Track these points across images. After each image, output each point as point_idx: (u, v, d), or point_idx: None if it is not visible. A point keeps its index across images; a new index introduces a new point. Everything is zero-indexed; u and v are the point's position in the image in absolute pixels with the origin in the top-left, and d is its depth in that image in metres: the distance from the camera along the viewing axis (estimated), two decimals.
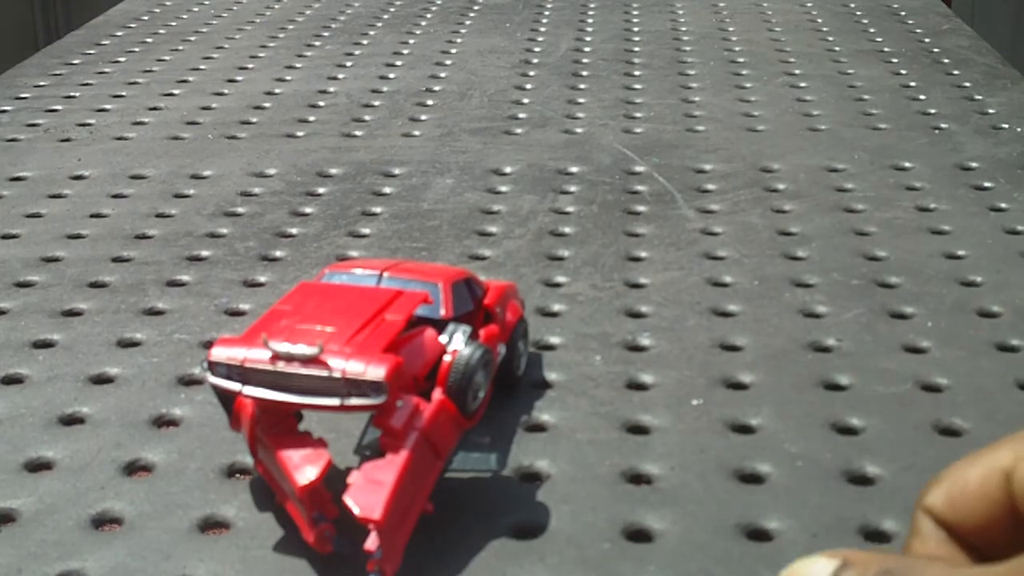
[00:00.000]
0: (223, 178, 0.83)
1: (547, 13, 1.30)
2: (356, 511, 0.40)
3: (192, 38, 1.22)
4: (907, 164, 0.85)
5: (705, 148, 0.88)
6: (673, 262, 0.69)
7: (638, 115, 0.95)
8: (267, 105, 0.99)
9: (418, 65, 1.11)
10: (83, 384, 0.57)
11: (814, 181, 0.81)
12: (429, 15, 1.30)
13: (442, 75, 1.07)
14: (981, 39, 1.18)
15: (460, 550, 0.44)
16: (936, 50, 1.13)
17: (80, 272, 0.69)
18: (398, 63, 1.11)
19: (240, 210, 0.78)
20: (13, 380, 0.57)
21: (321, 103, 1.00)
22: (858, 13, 1.28)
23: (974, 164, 0.84)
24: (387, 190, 0.81)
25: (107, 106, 1.00)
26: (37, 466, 0.50)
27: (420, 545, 0.43)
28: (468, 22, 1.27)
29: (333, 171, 0.84)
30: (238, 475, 0.49)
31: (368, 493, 0.40)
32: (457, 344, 0.46)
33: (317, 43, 1.19)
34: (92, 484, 0.49)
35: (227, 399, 0.45)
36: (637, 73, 1.07)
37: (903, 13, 1.27)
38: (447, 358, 0.45)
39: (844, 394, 0.55)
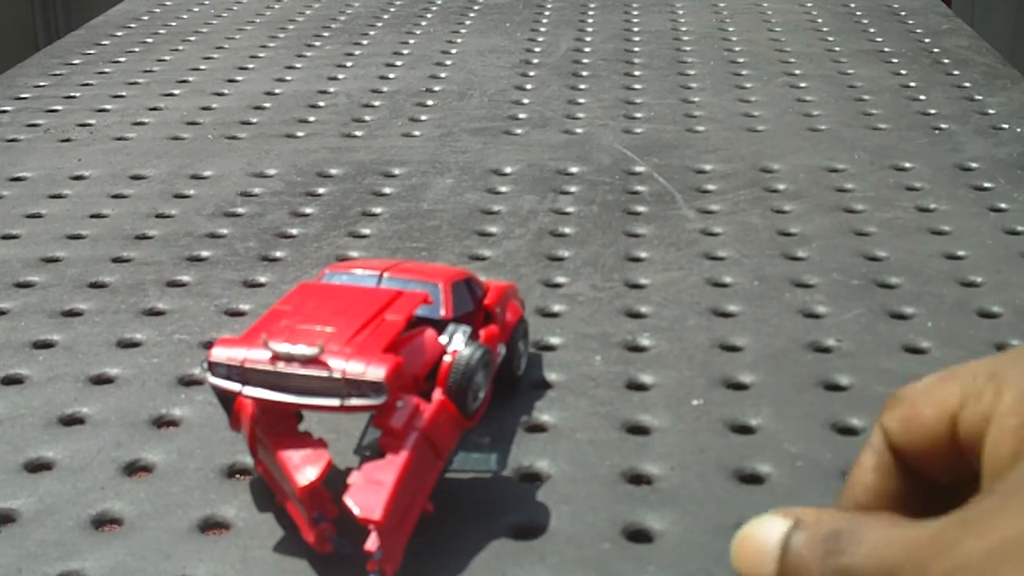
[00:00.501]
0: (223, 178, 0.83)
1: (547, 13, 1.30)
2: (356, 511, 0.40)
3: (192, 38, 1.22)
4: (907, 164, 0.85)
5: (705, 148, 0.88)
6: (673, 262, 0.69)
7: (638, 115, 0.95)
8: (267, 105, 0.99)
9: (418, 65, 1.11)
10: (83, 384, 0.57)
11: (814, 181, 0.81)
12: (429, 15, 1.30)
13: (442, 75, 1.07)
14: (981, 39, 1.18)
15: (460, 550, 0.44)
16: (936, 50, 1.13)
17: (80, 272, 0.69)
18: (398, 63, 1.11)
19: (240, 210, 0.78)
20: (13, 380, 0.57)
21: (321, 103, 1.00)
22: (858, 13, 1.28)
23: (974, 164, 0.84)
24: (387, 190, 0.81)
25: (107, 106, 1.00)
26: (37, 466, 0.50)
27: (420, 545, 0.43)
28: (468, 22, 1.27)
29: (333, 171, 0.84)
30: (238, 475, 0.49)
31: (368, 493, 0.40)
32: (457, 344, 0.46)
33: (317, 43, 1.19)
34: (92, 484, 0.49)
35: (227, 399, 0.45)
36: (637, 73, 1.07)
37: (903, 13, 1.27)
38: (447, 358, 0.45)
39: (844, 394, 0.55)
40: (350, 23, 1.28)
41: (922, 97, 0.99)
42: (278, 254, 0.71)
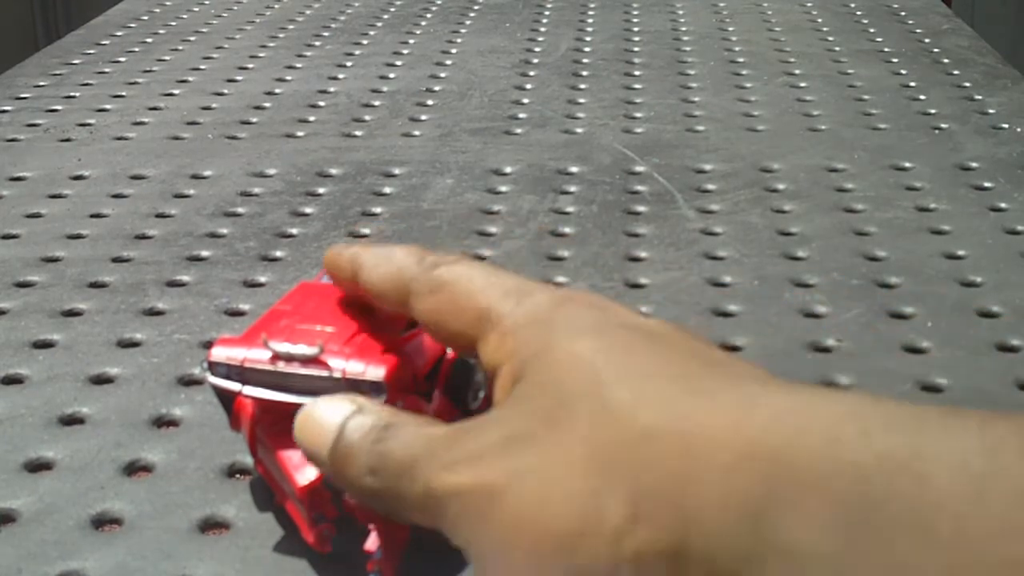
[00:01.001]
0: (223, 178, 0.83)
1: (547, 13, 1.30)
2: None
3: (192, 38, 1.22)
4: (907, 164, 0.85)
5: (705, 148, 0.88)
6: (673, 262, 0.69)
7: (638, 115, 0.95)
8: (267, 105, 0.99)
9: (418, 65, 1.11)
10: (83, 384, 0.57)
11: (814, 181, 0.81)
12: (429, 15, 1.30)
13: (442, 75, 1.07)
14: (981, 39, 1.18)
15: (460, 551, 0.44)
16: (936, 50, 1.13)
17: (80, 272, 0.69)
18: (398, 63, 1.11)
19: (240, 210, 0.78)
20: (13, 380, 0.57)
21: (321, 103, 1.00)
22: (858, 13, 1.28)
23: (974, 164, 0.84)
24: (387, 190, 0.81)
25: (107, 106, 1.00)
26: (37, 466, 0.50)
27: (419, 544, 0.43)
28: (468, 22, 1.27)
29: (333, 171, 0.84)
30: (238, 475, 0.49)
31: None
32: None
33: (317, 43, 1.19)
34: (92, 484, 0.49)
35: (227, 399, 0.45)
36: (637, 73, 1.07)
37: (903, 13, 1.27)
38: (447, 357, 0.45)
39: None
40: (350, 23, 1.28)
41: (922, 97, 0.99)
42: (278, 254, 0.71)
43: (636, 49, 1.15)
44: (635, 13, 1.30)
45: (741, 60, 1.11)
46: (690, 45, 1.16)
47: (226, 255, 0.71)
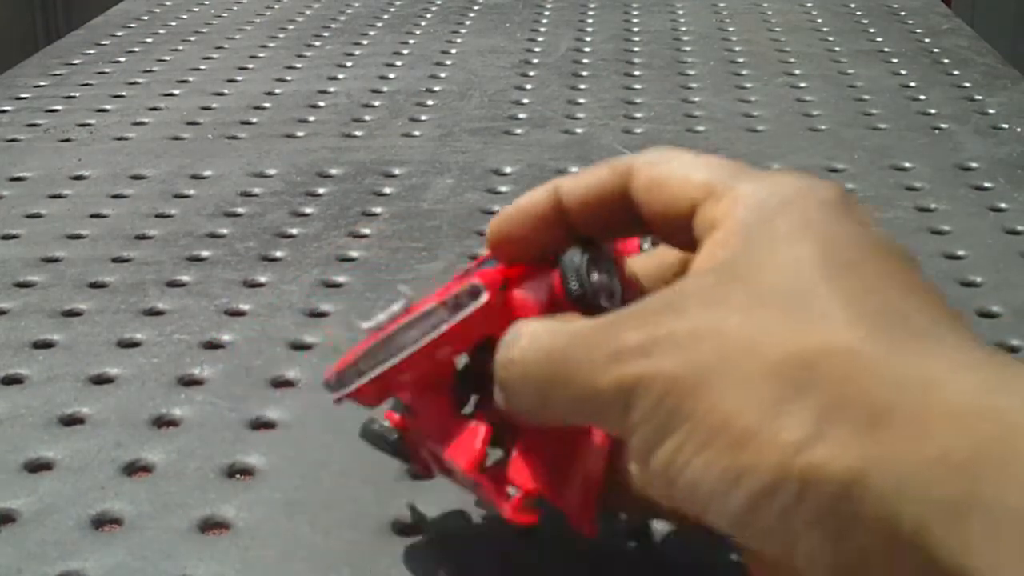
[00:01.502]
0: (223, 178, 0.83)
1: (547, 13, 1.30)
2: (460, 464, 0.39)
3: (192, 38, 1.22)
4: (907, 164, 0.85)
5: (705, 148, 0.88)
6: None
7: (638, 115, 0.95)
8: (267, 105, 0.99)
9: (418, 65, 1.11)
10: (83, 384, 0.57)
11: None
12: (429, 15, 1.30)
13: (442, 75, 1.07)
14: (981, 39, 1.18)
15: (459, 552, 0.44)
16: (936, 50, 1.13)
17: (80, 272, 0.69)
18: (398, 63, 1.11)
19: (240, 210, 0.78)
20: (13, 380, 0.57)
21: (321, 103, 1.00)
22: (858, 13, 1.28)
23: (974, 164, 0.84)
24: (387, 190, 0.81)
25: (107, 106, 1.00)
26: (37, 466, 0.50)
27: (418, 545, 0.43)
28: (468, 22, 1.27)
29: (333, 171, 0.84)
30: (238, 475, 0.49)
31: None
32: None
33: (317, 43, 1.19)
34: (92, 484, 0.49)
35: (394, 445, 0.42)
36: (637, 73, 1.07)
37: (903, 13, 1.27)
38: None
39: None
40: (350, 23, 1.28)
41: (922, 97, 0.99)
42: (278, 254, 0.71)
43: (636, 49, 1.15)
44: (635, 13, 1.30)
45: (741, 60, 1.11)
46: (690, 45, 1.16)
47: (226, 255, 0.71)
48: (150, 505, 0.47)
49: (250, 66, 1.11)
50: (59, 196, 0.81)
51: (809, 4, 1.32)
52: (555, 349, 0.33)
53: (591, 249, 0.39)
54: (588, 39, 1.19)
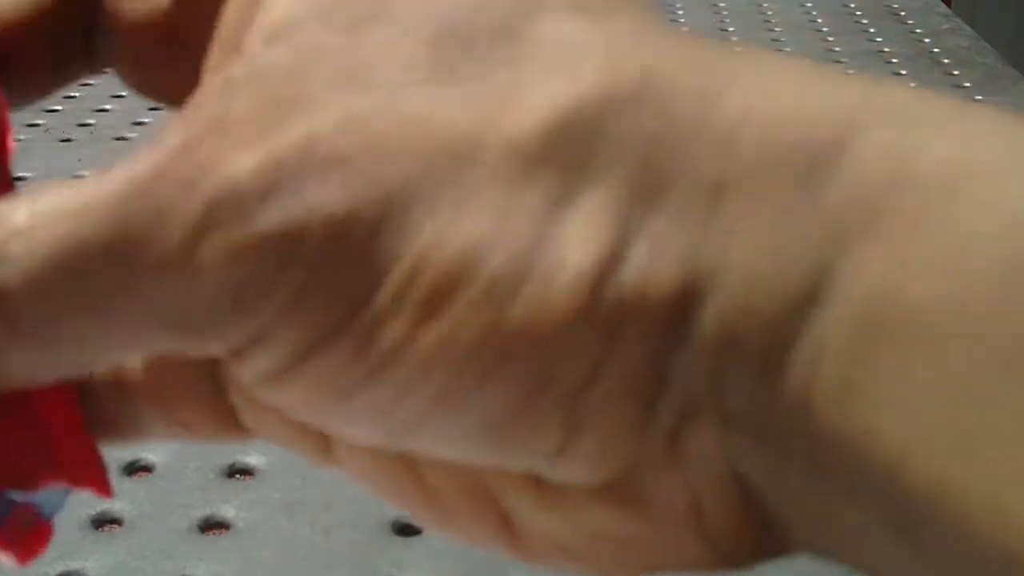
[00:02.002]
0: None
1: None
2: None
3: None
4: None
5: None
6: None
7: None
8: None
9: None
10: None
11: None
12: None
13: None
14: (981, 39, 1.18)
15: (459, 551, 0.44)
16: (936, 50, 1.13)
17: None
18: None
19: None
20: None
21: None
22: (858, 13, 1.28)
23: None
24: None
25: (107, 106, 1.00)
26: None
27: (419, 544, 0.43)
28: None
29: None
30: (238, 475, 0.49)
31: None
32: None
33: None
34: None
35: None
36: None
37: (903, 13, 1.27)
38: None
39: None
40: None
41: None
42: None
43: None
44: None
45: None
46: None
47: None
48: (150, 505, 0.47)
49: None
50: None
51: (809, 4, 1.32)
52: (104, 207, 0.17)
53: None
54: None
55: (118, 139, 0.92)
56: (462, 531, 0.20)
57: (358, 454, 0.20)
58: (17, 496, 0.23)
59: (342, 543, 0.44)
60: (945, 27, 1.21)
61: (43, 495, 0.24)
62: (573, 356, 0.17)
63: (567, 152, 0.17)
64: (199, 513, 0.47)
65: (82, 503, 0.48)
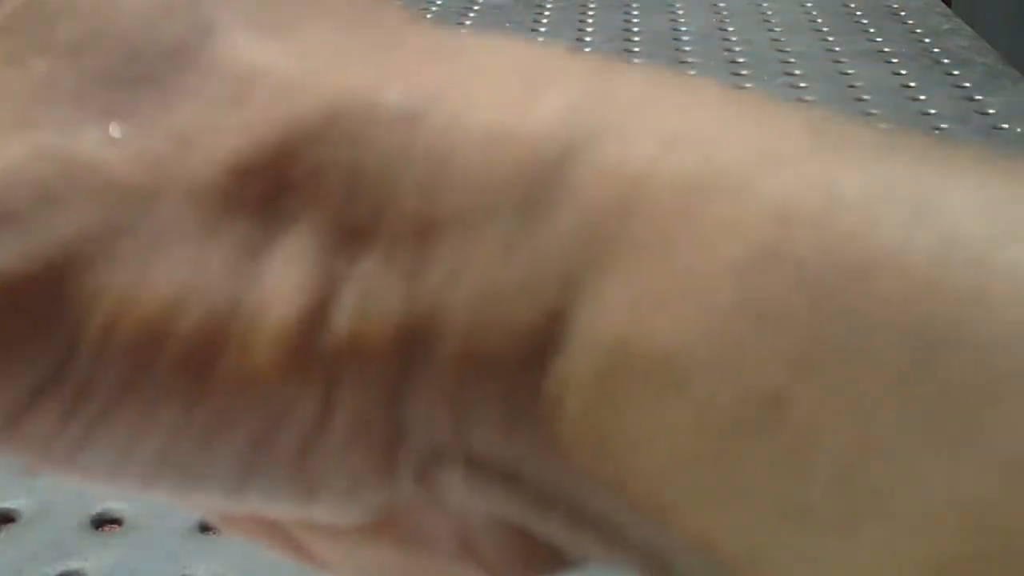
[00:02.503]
0: None
1: (547, 13, 1.30)
2: None
3: None
4: None
5: None
6: None
7: None
8: None
9: None
10: None
11: None
12: (429, 15, 1.30)
13: None
14: (981, 39, 1.18)
15: None
16: (936, 50, 1.13)
17: None
18: None
19: None
20: None
21: None
22: (858, 13, 1.28)
23: None
24: None
25: None
26: None
27: None
28: (468, 22, 1.27)
29: None
30: None
31: None
32: None
33: None
34: None
35: None
36: None
37: (903, 13, 1.27)
38: None
39: None
40: None
41: (922, 97, 0.99)
42: None
43: (636, 49, 1.15)
44: (635, 13, 1.30)
45: (741, 60, 1.11)
46: (690, 45, 1.16)
47: None
48: (150, 505, 0.47)
49: None
50: None
51: (809, 4, 1.32)
52: None
53: None
54: (588, 39, 1.19)
55: None
56: (265, 547, 0.20)
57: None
58: None
59: None
60: (945, 27, 1.21)
61: None
62: (291, 411, 0.15)
63: (254, 196, 0.15)
64: (199, 513, 0.47)
65: (82, 503, 0.47)
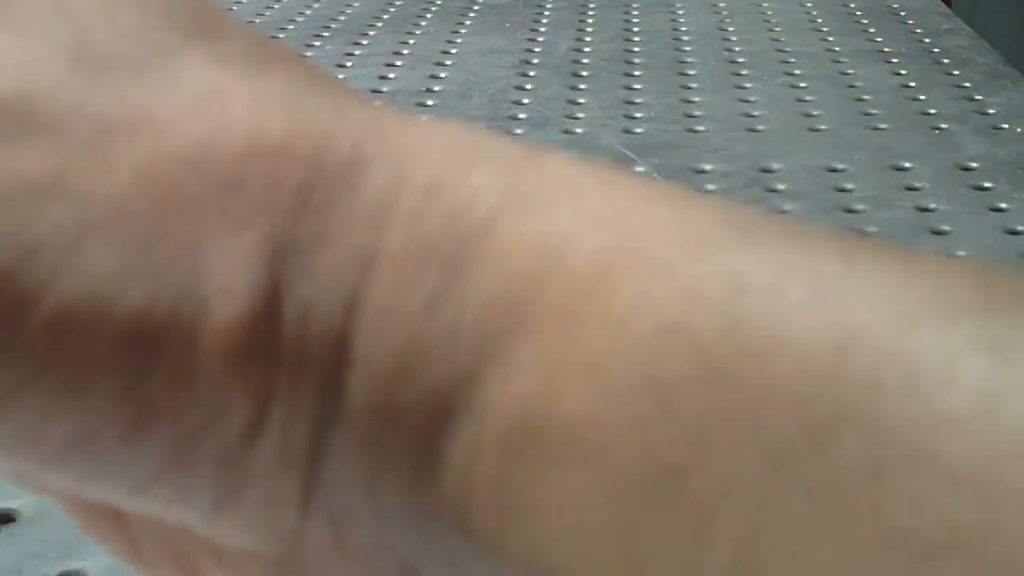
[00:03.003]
0: None
1: (547, 13, 1.30)
2: None
3: None
4: (907, 164, 0.85)
5: (705, 148, 0.88)
6: None
7: (638, 115, 0.95)
8: None
9: (418, 65, 1.11)
10: None
11: (814, 181, 0.81)
12: (429, 15, 1.30)
13: (442, 75, 1.07)
14: (981, 39, 1.18)
15: None
16: (936, 50, 1.13)
17: None
18: (398, 63, 1.11)
19: None
20: None
21: None
22: (858, 13, 1.28)
23: (974, 164, 0.84)
24: None
25: None
26: None
27: None
28: (468, 22, 1.27)
29: None
30: None
31: None
32: None
33: (317, 43, 1.19)
34: None
35: None
36: (637, 73, 1.07)
37: (903, 13, 1.27)
38: None
39: None
40: (350, 23, 1.28)
41: (922, 97, 0.99)
42: None
43: (636, 49, 1.15)
44: (635, 13, 1.30)
45: (741, 60, 1.11)
46: (690, 45, 1.16)
47: None
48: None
49: None
50: None
51: (809, 4, 1.32)
52: None
53: None
54: (588, 39, 1.19)
55: None
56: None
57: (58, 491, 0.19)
58: None
59: None
60: (945, 27, 1.21)
61: None
62: (224, 414, 0.15)
63: (207, 191, 0.15)
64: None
65: None
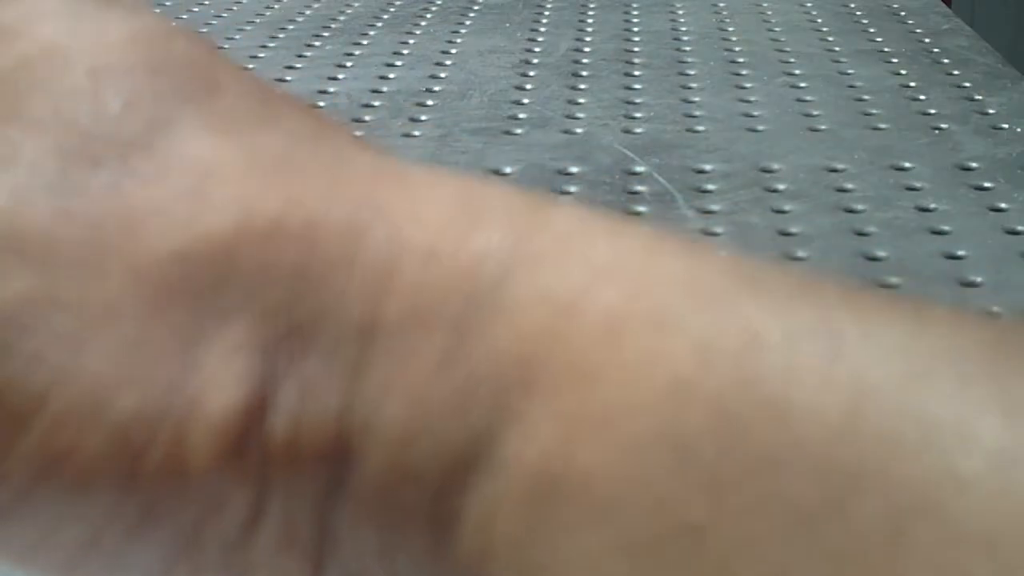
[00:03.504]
0: None
1: (547, 13, 1.30)
2: None
3: None
4: (907, 164, 0.85)
5: (705, 148, 0.88)
6: None
7: (638, 115, 0.95)
8: None
9: (418, 65, 1.11)
10: None
11: (814, 181, 0.81)
12: (429, 15, 1.30)
13: (442, 75, 1.07)
14: (981, 39, 1.18)
15: None
16: (936, 50, 1.13)
17: None
18: (398, 63, 1.11)
19: None
20: None
21: (321, 103, 1.00)
22: (858, 13, 1.28)
23: (974, 164, 0.84)
24: None
25: None
26: None
27: None
28: (468, 22, 1.27)
29: None
30: None
31: None
32: None
33: (317, 43, 1.19)
34: None
35: None
36: (637, 73, 1.07)
37: (903, 13, 1.27)
38: None
39: None
40: (350, 23, 1.28)
41: (922, 97, 0.99)
42: None
43: (636, 49, 1.15)
44: (635, 13, 1.30)
45: (741, 60, 1.11)
46: (690, 45, 1.16)
47: None
48: None
49: (250, 66, 1.11)
50: None
51: (809, 4, 1.32)
52: None
53: None
54: (588, 39, 1.19)
55: None
56: None
57: None
58: None
59: None
60: (945, 27, 1.21)
61: None
62: (223, 508, 0.15)
63: (198, 284, 0.15)
64: None
65: None
